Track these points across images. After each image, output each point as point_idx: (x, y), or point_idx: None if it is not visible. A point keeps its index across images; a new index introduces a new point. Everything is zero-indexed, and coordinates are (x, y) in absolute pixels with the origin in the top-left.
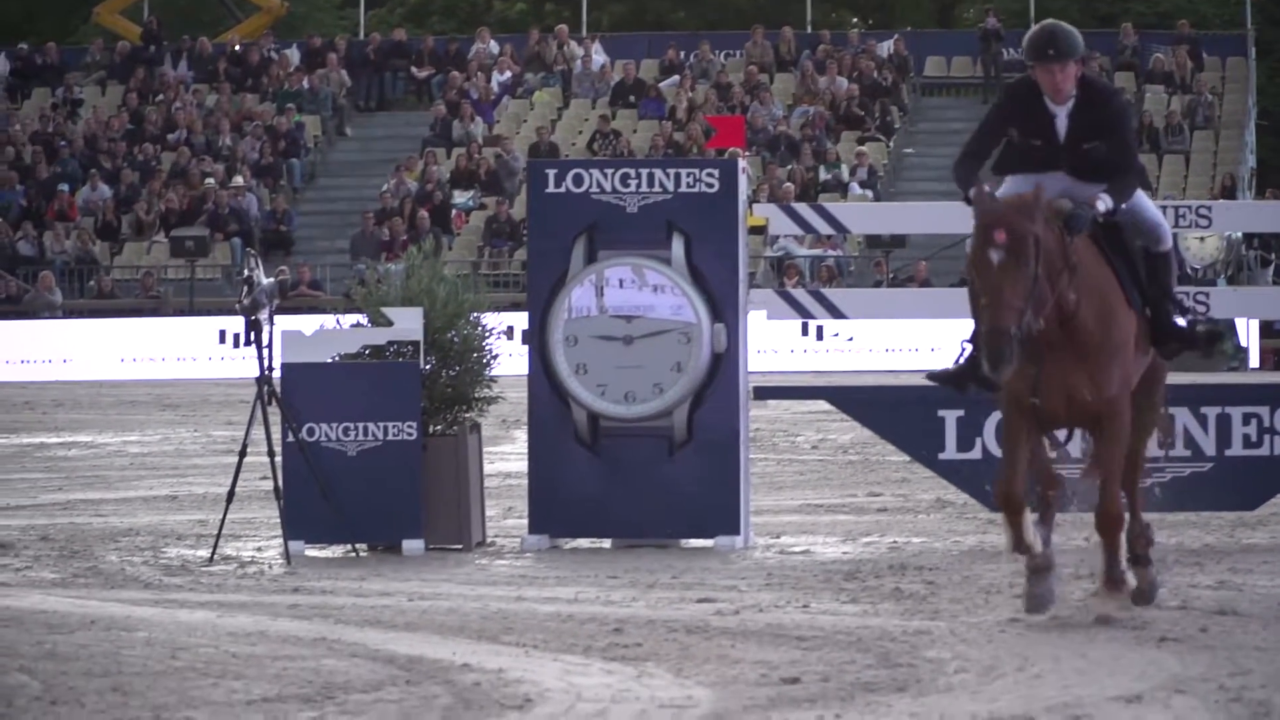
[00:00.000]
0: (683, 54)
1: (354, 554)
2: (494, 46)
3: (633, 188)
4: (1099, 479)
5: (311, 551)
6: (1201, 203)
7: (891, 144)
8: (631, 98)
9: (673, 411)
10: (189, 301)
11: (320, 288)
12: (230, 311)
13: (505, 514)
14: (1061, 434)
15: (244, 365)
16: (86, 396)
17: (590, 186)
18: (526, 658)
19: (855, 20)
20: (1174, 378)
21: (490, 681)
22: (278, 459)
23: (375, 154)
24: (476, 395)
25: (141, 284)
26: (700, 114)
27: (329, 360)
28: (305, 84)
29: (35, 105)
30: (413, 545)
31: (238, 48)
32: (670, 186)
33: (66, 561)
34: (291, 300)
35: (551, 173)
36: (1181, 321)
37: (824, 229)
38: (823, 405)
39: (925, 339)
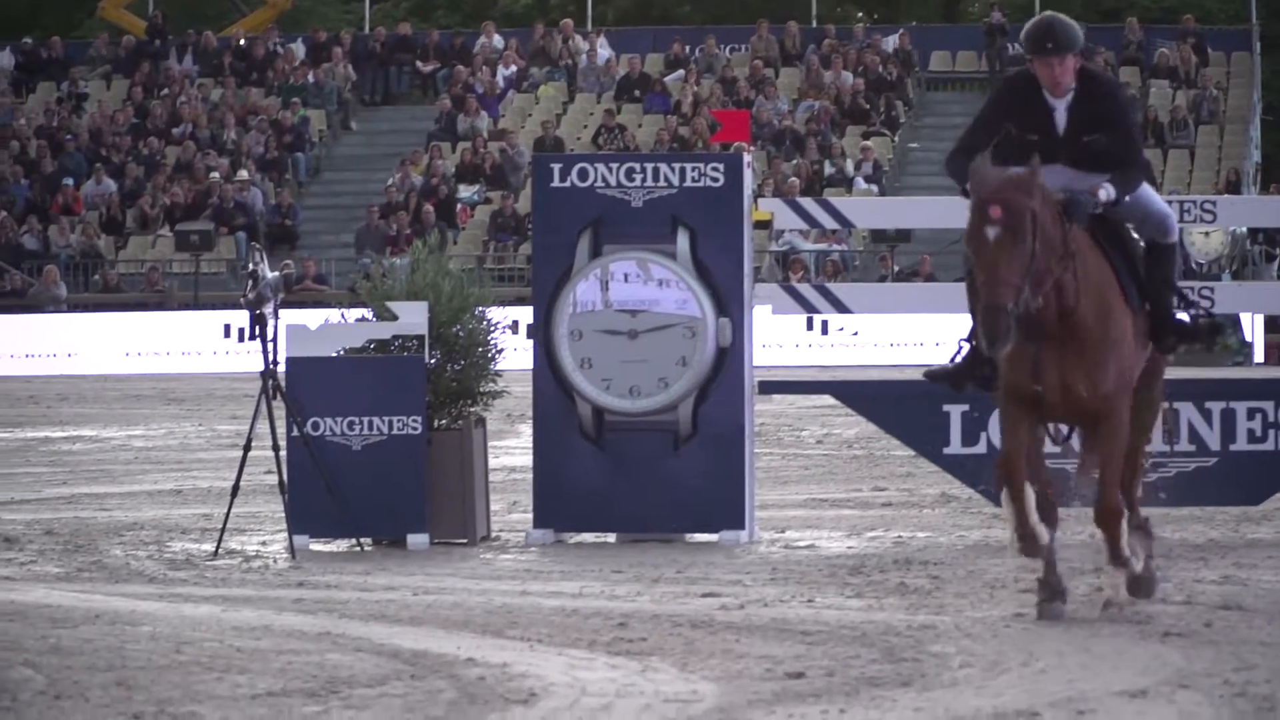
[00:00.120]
0: (688, 48)
1: (359, 548)
2: (499, 41)
3: (638, 182)
4: (1097, 474)
5: (316, 546)
6: (1206, 198)
7: (896, 138)
8: (637, 92)
9: (678, 406)
10: (194, 296)
11: (325, 282)
12: (235, 306)
13: (510, 508)
14: (1062, 430)
15: (249, 359)
16: (91, 391)
17: (595, 181)
18: (531, 652)
19: (860, 15)
20: (1179, 373)
21: (495, 676)
22: (282, 453)
23: (380, 148)
24: (481, 389)
25: (146, 278)
26: (705, 108)
27: (334, 354)
28: (310, 78)
29: (40, 99)
30: (417, 540)
31: (243, 42)
32: (675, 181)
33: (71, 556)
34: (296, 294)
35: (556, 167)
36: (1182, 315)
37: (829, 223)
38: (827, 400)
39: (930, 334)
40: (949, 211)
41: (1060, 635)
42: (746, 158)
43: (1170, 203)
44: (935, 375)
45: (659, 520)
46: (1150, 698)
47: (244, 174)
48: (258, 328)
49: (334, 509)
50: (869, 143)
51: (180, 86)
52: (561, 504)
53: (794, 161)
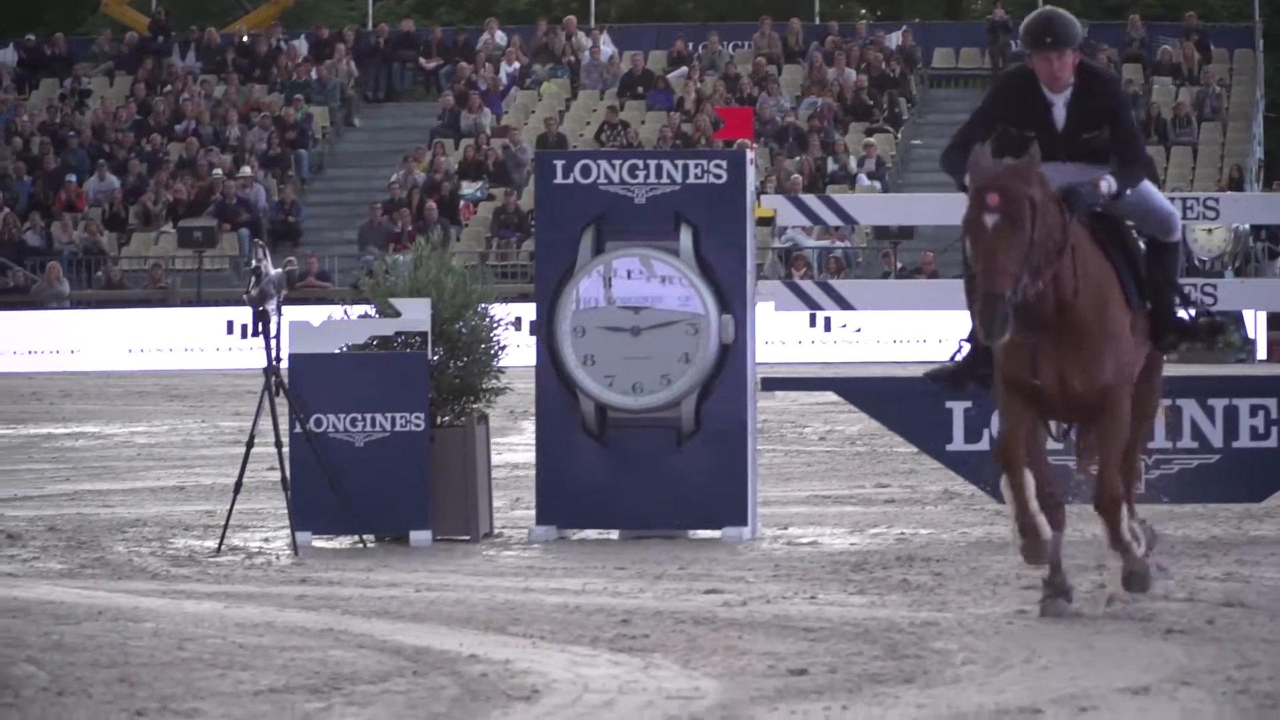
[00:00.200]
0: (691, 45)
1: (361, 545)
2: (502, 37)
3: (641, 179)
4: (1097, 464)
5: (319, 542)
6: (1209, 195)
7: (899, 135)
8: (639, 89)
9: (680, 402)
10: (196, 292)
11: (328, 278)
12: (238, 302)
13: (513, 505)
14: (1062, 426)
15: (251, 356)
16: (94, 387)
17: (598, 178)
18: (534, 649)
19: (863, 12)
20: (1182, 370)
21: (497, 672)
22: (285, 450)
23: (383, 145)
24: (484, 386)
25: (149, 275)
26: (708, 105)
27: (336, 351)
28: (313, 75)
29: (43, 96)
30: (420, 536)
31: (246, 39)
32: (678, 178)
33: (74, 552)
34: (299, 291)
35: (559, 164)
36: (1183, 314)
37: (832, 220)
38: (830, 396)
39: (933, 330)
40: (952, 208)
41: (1063, 632)
42: (749, 154)
43: (1173, 200)
44: (937, 376)
45: (662, 517)
46: (1153, 695)
47: (247, 171)
48: (261, 324)
49: (337, 505)
50: (872, 140)
51: (183, 83)
52: (564, 501)
53: (797, 158)
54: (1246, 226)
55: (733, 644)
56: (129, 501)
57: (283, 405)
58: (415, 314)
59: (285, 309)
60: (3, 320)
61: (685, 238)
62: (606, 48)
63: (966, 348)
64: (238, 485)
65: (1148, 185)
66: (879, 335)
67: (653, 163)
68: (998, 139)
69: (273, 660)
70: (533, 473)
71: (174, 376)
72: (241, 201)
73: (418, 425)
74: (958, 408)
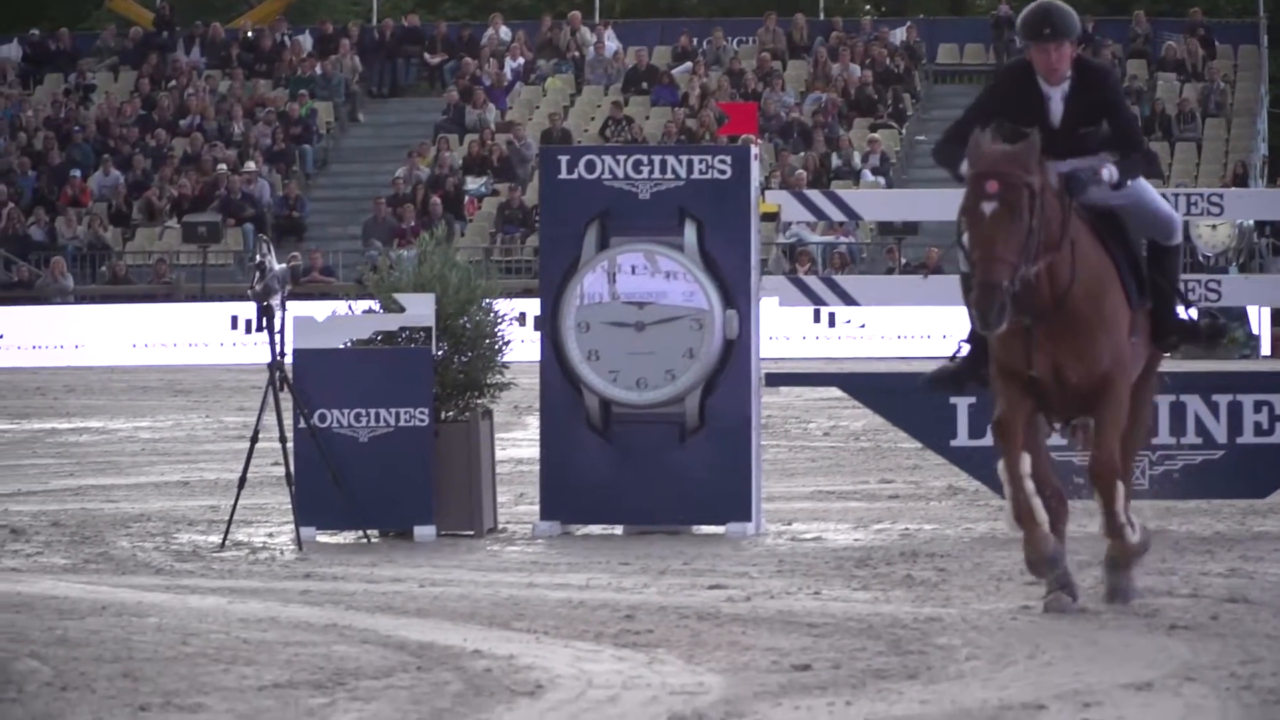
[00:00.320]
0: (695, 40)
1: (365, 540)
2: (506, 33)
3: (645, 174)
4: (1095, 438)
5: (323, 537)
6: (1213, 190)
7: (904, 131)
8: (644, 84)
9: (684, 398)
10: (201, 287)
11: (332, 274)
12: (242, 297)
13: (517, 500)
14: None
15: (256, 351)
16: (98, 382)
17: (603, 173)
18: (538, 644)
19: (868, 7)
20: (1186, 365)
21: (501, 668)
22: (289, 445)
23: (388, 140)
24: (488, 381)
25: (153, 270)
26: (713, 100)
27: (341, 346)
28: (318, 70)
29: (48, 91)
30: (424, 531)
31: (250, 34)
32: (683, 173)
33: (78, 547)
34: (303, 286)
35: (564, 159)
36: (1184, 315)
37: (836, 216)
38: (834, 392)
39: (937, 326)
40: (956, 204)
41: (1067, 628)
42: (754, 150)
43: (1177, 196)
44: (939, 379)
45: (666, 512)
46: (1156, 690)
47: (251, 166)
48: (265, 319)
49: (341, 501)
50: (876, 135)
51: (188, 78)
52: (568, 496)
53: (801, 154)
54: (1251, 222)
55: (736, 639)
56: (133, 497)
57: (287, 400)
58: (419, 309)
59: (290, 304)
60: (7, 315)
61: (690, 233)
62: (611, 43)
63: (966, 348)
64: (242, 480)
65: (1148, 188)
66: (883, 331)
67: (657, 158)
68: (994, 132)
69: (277, 655)
70: (537, 468)
71: (178, 372)
72: (246, 197)
73: (422, 420)
74: (962, 403)
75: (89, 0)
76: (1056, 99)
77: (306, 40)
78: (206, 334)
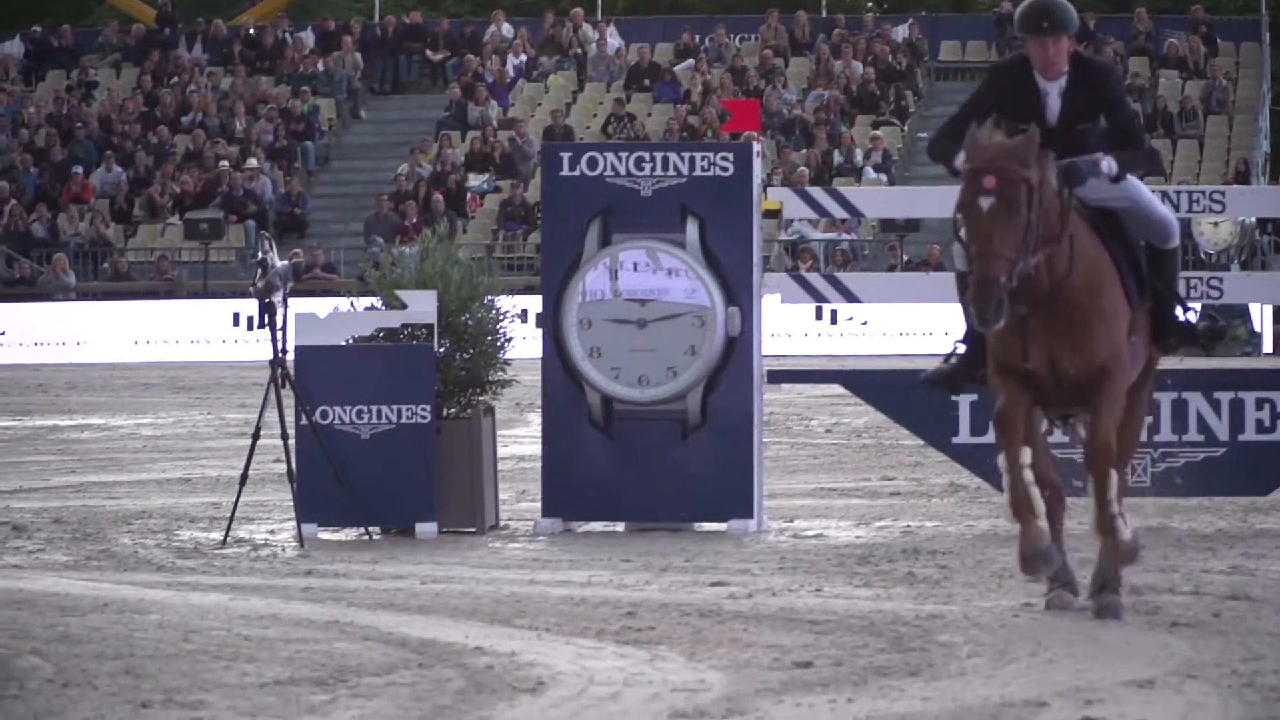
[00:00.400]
0: (698, 37)
1: (367, 537)
2: (508, 29)
3: (647, 171)
4: (1091, 423)
5: (324, 534)
6: (1215, 188)
7: (906, 128)
8: (646, 81)
9: (686, 395)
10: (203, 284)
11: (334, 271)
12: (244, 294)
13: (518, 497)
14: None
15: (258, 348)
16: (100, 379)
17: (605, 170)
18: (539, 641)
19: (870, 4)
20: (1187, 363)
21: (503, 664)
22: (291, 442)
23: (390, 137)
24: (490, 378)
25: (155, 267)
26: (715, 97)
27: (343, 343)
28: (320, 67)
29: (50, 88)
30: (426, 528)
31: (252, 31)
32: (685, 170)
33: (79, 544)
34: (305, 283)
35: (566, 156)
36: (1183, 317)
37: (838, 213)
38: (836, 389)
39: (939, 323)
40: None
41: (1068, 625)
42: (756, 147)
43: (1179, 193)
44: (935, 380)
45: (667, 509)
46: (1158, 688)
47: (253, 163)
48: (267, 316)
49: (342, 498)
50: (878, 132)
51: (190, 75)
52: (570, 493)
53: (803, 151)
54: (1253, 220)
55: (738, 636)
56: (135, 493)
57: (289, 397)
58: (421, 306)
59: (291, 301)
60: (9, 312)
61: (691, 230)
62: (613, 40)
63: (962, 349)
64: (243, 477)
65: (1145, 191)
66: (885, 328)
67: (659, 155)
68: (995, 123)
69: (278, 652)
70: (538, 465)
71: (180, 368)
72: (248, 193)
73: (424, 417)
74: (964, 401)
75: None
76: (1053, 95)
77: (308, 37)
78: (208, 331)
